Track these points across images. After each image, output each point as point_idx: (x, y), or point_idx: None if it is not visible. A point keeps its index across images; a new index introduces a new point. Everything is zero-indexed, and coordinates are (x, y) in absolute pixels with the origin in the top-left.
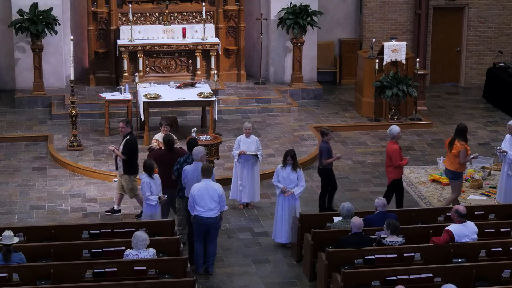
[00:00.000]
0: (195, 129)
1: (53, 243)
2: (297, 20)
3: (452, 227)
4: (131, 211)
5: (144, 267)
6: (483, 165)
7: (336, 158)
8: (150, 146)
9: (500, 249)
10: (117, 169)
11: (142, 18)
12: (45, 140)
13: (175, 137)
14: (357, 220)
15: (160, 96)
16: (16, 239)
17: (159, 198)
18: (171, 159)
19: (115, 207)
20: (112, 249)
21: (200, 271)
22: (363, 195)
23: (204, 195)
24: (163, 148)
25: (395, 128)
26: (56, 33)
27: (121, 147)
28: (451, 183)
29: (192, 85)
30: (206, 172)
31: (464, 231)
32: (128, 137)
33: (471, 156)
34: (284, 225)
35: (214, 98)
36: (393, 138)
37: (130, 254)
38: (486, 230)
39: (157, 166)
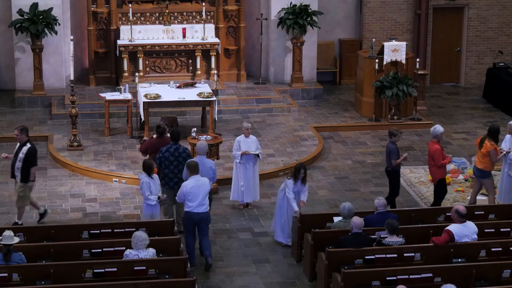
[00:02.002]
0: (195, 129)
1: (53, 243)
2: (297, 20)
3: (452, 227)
4: (131, 212)
5: (144, 267)
6: None
7: (404, 158)
8: (142, 138)
9: (500, 249)
10: (12, 177)
11: (142, 18)
12: (45, 140)
13: (166, 126)
14: (358, 220)
15: (160, 96)
16: (16, 239)
17: (159, 197)
18: (161, 146)
19: (18, 221)
20: (112, 249)
21: (194, 264)
22: (363, 195)
23: (197, 193)
24: (155, 137)
25: (438, 128)
26: (56, 33)
27: (22, 155)
28: (481, 181)
29: (192, 85)
30: (194, 169)
31: (464, 231)
32: (29, 145)
33: (504, 152)
34: (285, 225)
35: (214, 98)
36: (435, 138)
37: (130, 254)
38: (486, 230)
39: (149, 153)
